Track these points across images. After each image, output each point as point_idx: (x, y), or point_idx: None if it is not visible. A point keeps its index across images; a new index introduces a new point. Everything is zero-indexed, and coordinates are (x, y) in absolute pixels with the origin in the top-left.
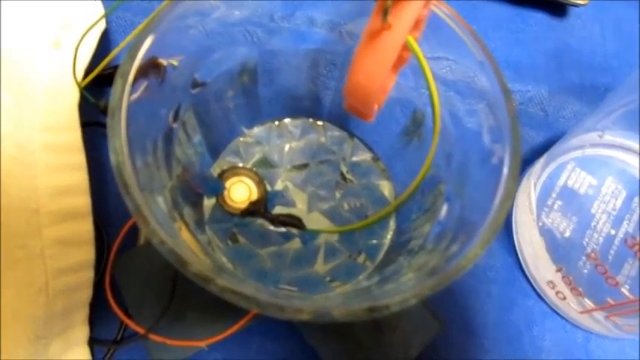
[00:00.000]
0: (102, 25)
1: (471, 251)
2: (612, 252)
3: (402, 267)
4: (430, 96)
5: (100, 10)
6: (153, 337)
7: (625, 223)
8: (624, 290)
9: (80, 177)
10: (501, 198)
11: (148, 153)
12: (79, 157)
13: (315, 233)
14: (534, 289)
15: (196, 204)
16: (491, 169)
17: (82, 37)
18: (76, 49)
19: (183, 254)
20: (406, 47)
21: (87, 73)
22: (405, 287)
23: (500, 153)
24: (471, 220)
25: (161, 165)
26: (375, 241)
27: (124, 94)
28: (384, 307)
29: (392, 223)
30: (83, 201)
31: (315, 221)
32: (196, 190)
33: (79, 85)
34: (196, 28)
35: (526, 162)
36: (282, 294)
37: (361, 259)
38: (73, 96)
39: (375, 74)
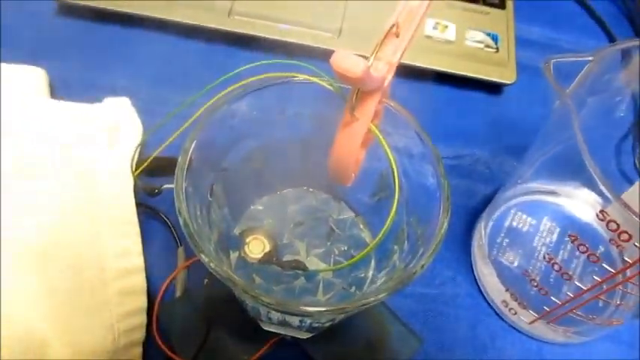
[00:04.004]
0: (141, 129)
1: (421, 262)
2: (552, 276)
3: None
4: (390, 165)
5: (135, 113)
6: None
7: (561, 252)
8: (554, 298)
9: (136, 243)
10: (438, 228)
11: (198, 220)
12: (135, 228)
13: (315, 273)
14: (494, 310)
15: (227, 255)
16: (434, 210)
17: (139, 146)
18: (134, 152)
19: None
20: (370, 131)
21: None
22: (379, 291)
23: (438, 198)
24: (423, 246)
25: (206, 228)
26: (362, 275)
27: (183, 182)
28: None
29: (372, 261)
30: (138, 261)
31: (313, 263)
32: (224, 246)
33: (135, 176)
34: (225, 126)
35: (478, 210)
36: None
37: (352, 289)
38: (129, 182)
39: (349, 152)
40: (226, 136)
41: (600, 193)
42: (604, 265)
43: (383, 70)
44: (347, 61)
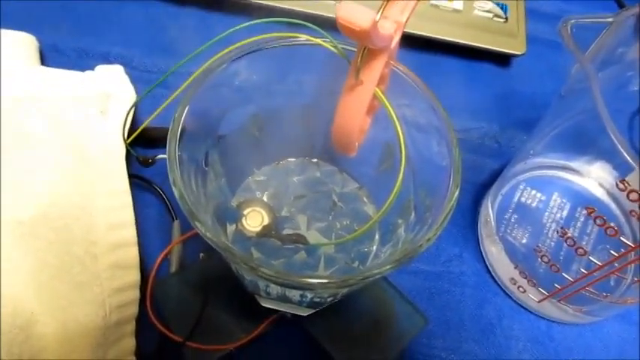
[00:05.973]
0: (134, 97)
1: (427, 235)
2: (562, 253)
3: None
4: (396, 133)
5: (128, 81)
6: (189, 344)
7: (571, 229)
8: (565, 275)
9: (128, 214)
10: (448, 200)
11: (194, 190)
12: (127, 199)
13: (316, 247)
14: (501, 288)
15: (224, 228)
16: (443, 182)
17: (130, 110)
18: (126, 117)
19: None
20: (376, 97)
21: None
22: (383, 264)
23: (447, 170)
24: (431, 218)
25: (202, 199)
26: (365, 249)
27: (176, 150)
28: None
29: (376, 235)
30: (130, 233)
31: (314, 237)
32: (221, 218)
33: (126, 143)
34: (221, 91)
35: (486, 186)
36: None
37: (355, 264)
38: (121, 151)
39: (353, 118)
40: (222, 102)
41: (618, 165)
42: (622, 238)
43: (390, 29)
44: (354, 12)
